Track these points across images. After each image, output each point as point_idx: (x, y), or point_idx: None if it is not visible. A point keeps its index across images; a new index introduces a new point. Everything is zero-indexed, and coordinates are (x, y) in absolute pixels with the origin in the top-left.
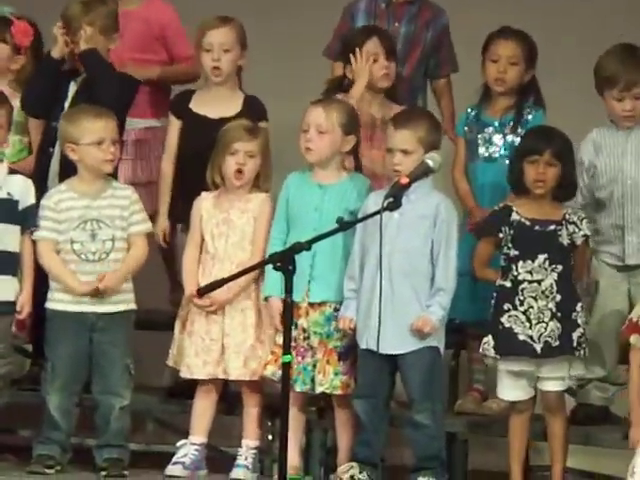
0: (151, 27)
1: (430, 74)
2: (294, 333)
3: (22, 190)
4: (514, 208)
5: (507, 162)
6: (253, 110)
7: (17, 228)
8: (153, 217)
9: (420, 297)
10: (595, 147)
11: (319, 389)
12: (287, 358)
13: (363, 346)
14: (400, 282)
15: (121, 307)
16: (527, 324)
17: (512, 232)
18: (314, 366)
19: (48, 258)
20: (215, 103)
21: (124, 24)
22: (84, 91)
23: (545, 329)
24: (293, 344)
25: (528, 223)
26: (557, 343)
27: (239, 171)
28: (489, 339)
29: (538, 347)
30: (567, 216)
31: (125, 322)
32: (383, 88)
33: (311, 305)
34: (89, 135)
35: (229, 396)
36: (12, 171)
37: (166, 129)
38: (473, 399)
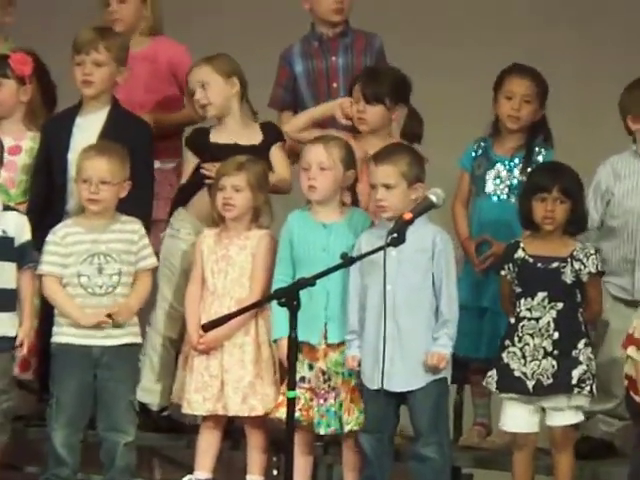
0: (159, 67)
1: None
2: (310, 375)
3: (17, 227)
4: (521, 244)
5: (514, 202)
6: (271, 135)
7: (13, 265)
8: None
9: (427, 331)
10: (614, 173)
11: (347, 428)
12: (292, 394)
13: (374, 387)
14: (405, 319)
15: (125, 340)
16: (522, 361)
17: (516, 269)
18: (340, 406)
19: (52, 291)
20: (236, 134)
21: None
22: (110, 132)
23: (538, 367)
24: (306, 386)
25: (531, 260)
26: (550, 381)
27: (226, 204)
28: (493, 373)
29: (530, 385)
30: (575, 253)
31: (130, 357)
32: (362, 130)
33: (329, 346)
34: (79, 172)
35: (234, 431)
36: (7, 207)
37: (167, 171)
38: (477, 433)
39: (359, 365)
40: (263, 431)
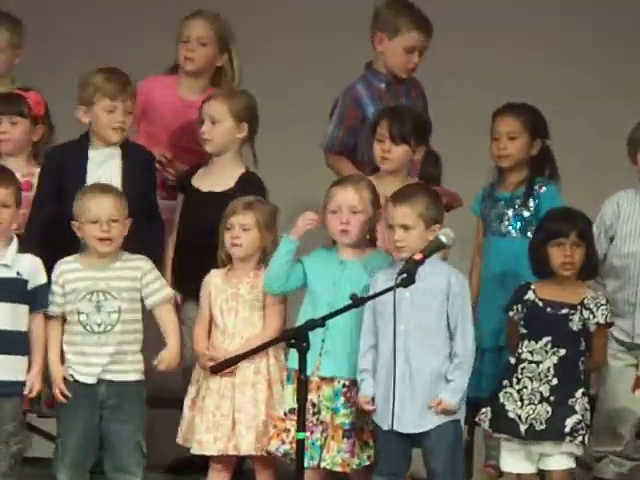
0: None
1: None
2: None
3: (31, 269)
4: (532, 286)
5: (518, 236)
6: (245, 187)
7: (26, 308)
8: None
9: (440, 373)
10: (619, 211)
11: (322, 464)
12: (301, 435)
13: (385, 428)
14: (418, 361)
15: (130, 377)
16: (519, 403)
17: (525, 311)
18: (325, 441)
19: (50, 337)
20: (212, 177)
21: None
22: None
23: (533, 411)
24: (296, 417)
25: (541, 304)
26: (543, 427)
27: (234, 244)
28: (487, 411)
29: (523, 428)
30: (585, 301)
31: (136, 397)
32: (386, 170)
33: (322, 379)
34: (84, 213)
35: (243, 473)
36: (22, 250)
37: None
38: (488, 475)
39: (370, 403)
40: (272, 471)
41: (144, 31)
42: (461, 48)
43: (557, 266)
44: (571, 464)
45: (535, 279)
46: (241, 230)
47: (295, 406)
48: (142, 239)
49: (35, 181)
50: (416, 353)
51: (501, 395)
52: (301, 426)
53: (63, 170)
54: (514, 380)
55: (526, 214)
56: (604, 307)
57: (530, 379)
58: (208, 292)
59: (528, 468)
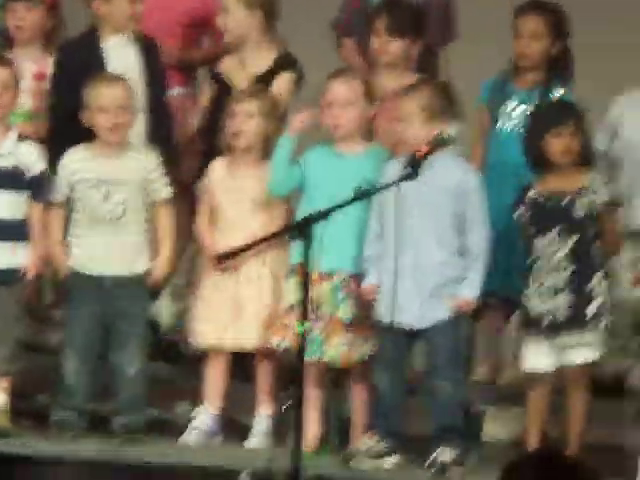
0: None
1: None
2: None
3: (30, 158)
4: (532, 184)
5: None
6: (279, 65)
7: (25, 196)
8: None
9: (448, 268)
10: (628, 104)
11: (323, 359)
12: (302, 328)
13: (387, 321)
14: (427, 255)
15: (137, 269)
16: (538, 299)
17: (529, 209)
18: (326, 335)
19: (51, 224)
20: (243, 64)
21: None
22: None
23: (554, 304)
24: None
25: (543, 199)
26: (565, 317)
27: (236, 134)
28: (516, 315)
29: (546, 323)
30: (587, 183)
31: (142, 286)
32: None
33: (321, 274)
34: (94, 101)
35: (243, 363)
36: (21, 138)
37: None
38: (488, 369)
39: (374, 292)
40: (274, 366)
41: None
42: None
43: (557, 155)
44: (595, 355)
45: (535, 174)
46: (245, 117)
47: (296, 302)
48: (153, 132)
49: (48, 71)
50: (426, 246)
51: (523, 296)
52: (303, 319)
53: (79, 63)
54: (531, 278)
55: None
56: (606, 184)
57: (546, 273)
58: (211, 182)
59: (549, 365)
